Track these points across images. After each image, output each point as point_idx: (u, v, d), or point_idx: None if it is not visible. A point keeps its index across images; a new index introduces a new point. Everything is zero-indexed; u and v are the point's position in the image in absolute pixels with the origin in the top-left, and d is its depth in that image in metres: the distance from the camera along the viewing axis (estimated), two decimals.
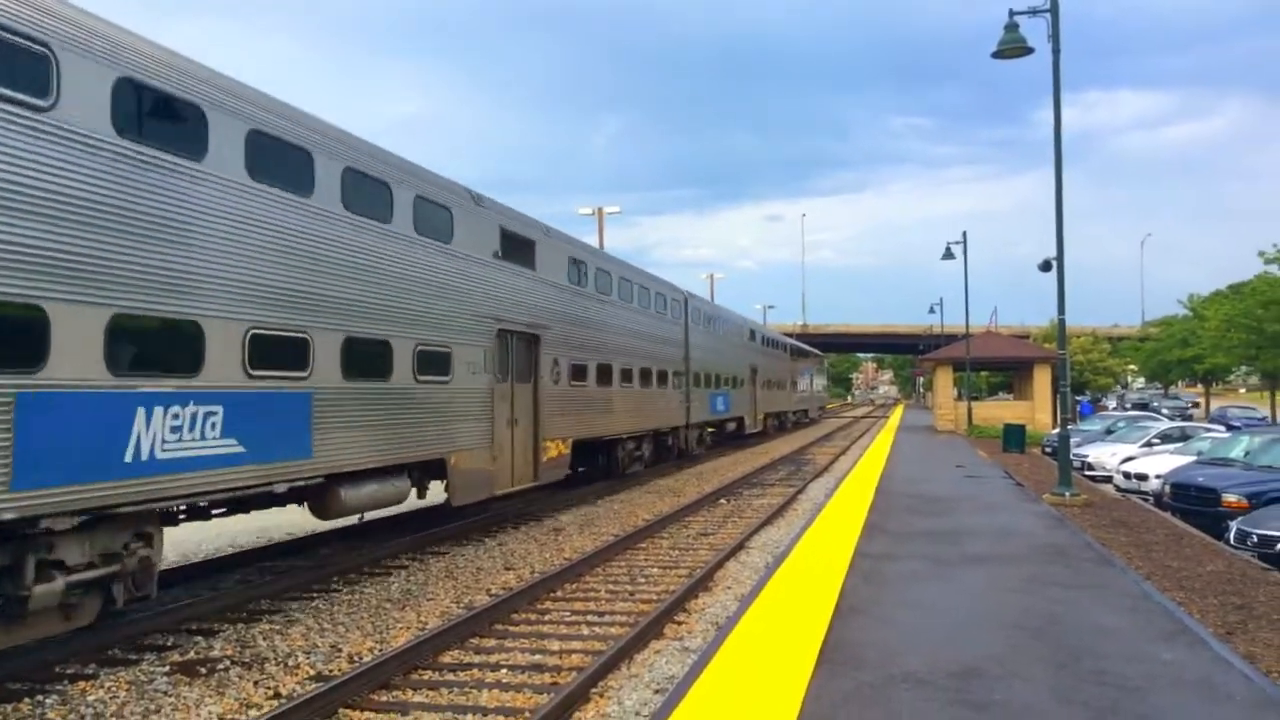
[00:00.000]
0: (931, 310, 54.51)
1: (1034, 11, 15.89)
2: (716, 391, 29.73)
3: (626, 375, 20.38)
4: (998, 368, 55.12)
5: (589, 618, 9.28)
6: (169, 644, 8.33)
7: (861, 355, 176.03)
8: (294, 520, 13.78)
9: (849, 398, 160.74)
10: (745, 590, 9.86)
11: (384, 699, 6.88)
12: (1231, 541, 12.14)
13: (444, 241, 12.61)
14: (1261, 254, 36.87)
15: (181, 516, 9.44)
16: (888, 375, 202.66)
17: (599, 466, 20.23)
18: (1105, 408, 54.18)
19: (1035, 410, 37.80)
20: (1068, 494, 15.71)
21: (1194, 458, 18.38)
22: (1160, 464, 19.10)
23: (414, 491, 12.30)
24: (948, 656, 6.39)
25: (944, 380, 42.58)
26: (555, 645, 8.27)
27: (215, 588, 10.45)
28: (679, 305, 25.56)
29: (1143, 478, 19.36)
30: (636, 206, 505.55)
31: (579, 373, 17.48)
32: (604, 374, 18.89)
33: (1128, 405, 58.10)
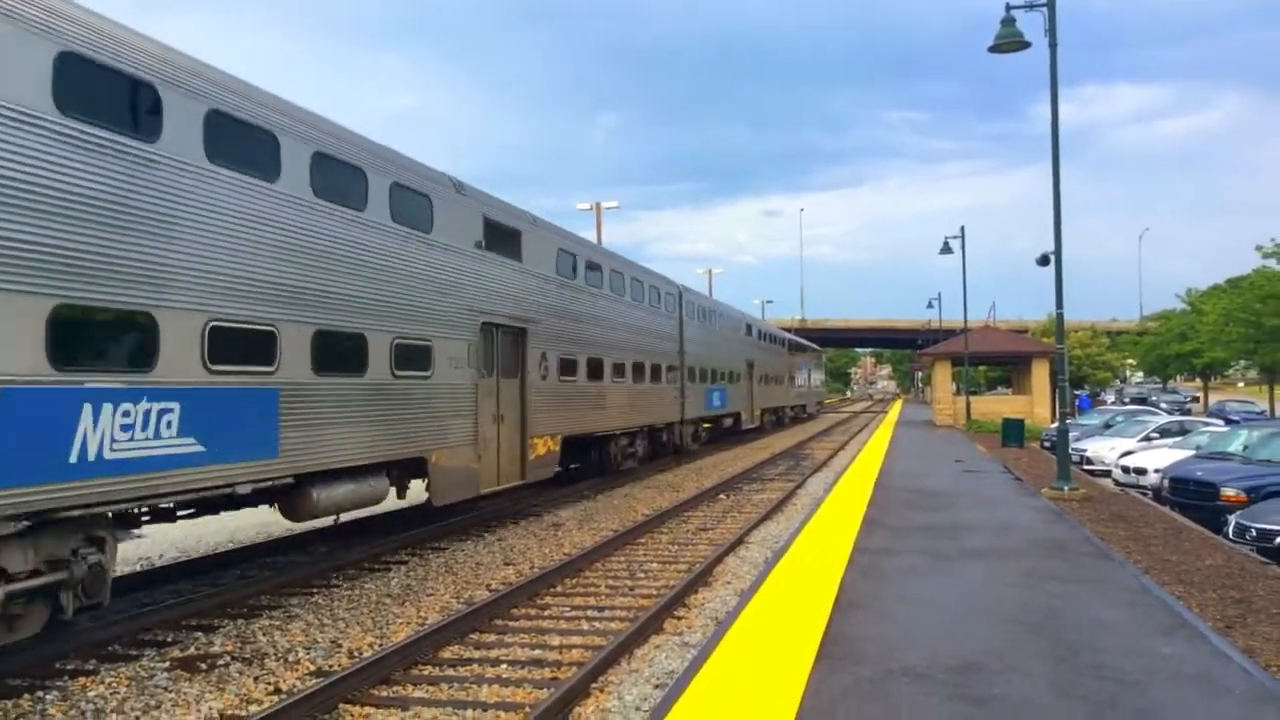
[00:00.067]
0: (930, 305, 54.53)
1: (1031, 5, 15.88)
2: (712, 387, 29.66)
3: (619, 370, 20.15)
4: (996, 362, 55.19)
5: (589, 613, 9.29)
6: (169, 640, 8.33)
7: (860, 350, 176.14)
8: None
9: (847, 393, 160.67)
10: (745, 585, 9.87)
11: (384, 694, 6.89)
12: (1230, 535, 12.17)
13: (423, 231, 12.22)
14: (1260, 248, 36.93)
15: (145, 519, 9.10)
16: (886, 370, 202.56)
17: (591, 464, 20.06)
18: (1104, 402, 54.27)
19: (1034, 405, 37.81)
20: (1066, 488, 15.73)
21: (1193, 452, 18.42)
22: (1159, 458, 19.13)
23: (393, 492, 11.92)
24: (947, 651, 6.40)
25: (942, 375, 42.59)
26: (555, 640, 8.28)
27: (215, 583, 10.45)
28: (673, 299, 25.37)
29: (1141, 472, 19.39)
30: (635, 201, 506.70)
31: (568, 367, 17.15)
32: (595, 369, 18.62)
33: (1126, 400, 58.21)
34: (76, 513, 7.14)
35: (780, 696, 5.47)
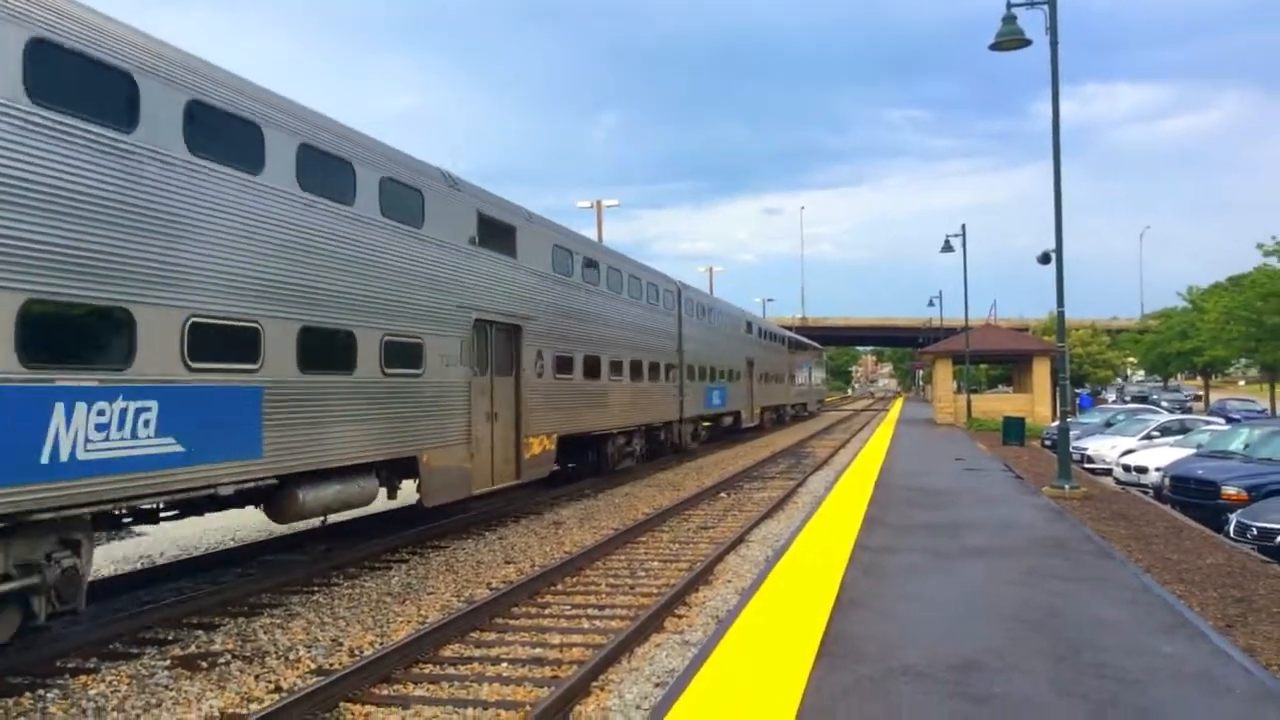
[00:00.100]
0: (931, 303, 54.47)
1: (1032, 3, 15.86)
2: (712, 385, 29.58)
3: (616, 368, 20.01)
4: (997, 360, 55.18)
5: (589, 611, 9.29)
6: (170, 638, 8.33)
7: (861, 348, 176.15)
8: None
9: (848, 391, 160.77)
10: (745, 584, 9.87)
11: (385, 693, 6.89)
12: (1231, 534, 12.17)
13: (414, 226, 11.98)
14: (1260, 246, 36.90)
15: (127, 521, 8.91)
16: (887, 368, 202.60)
17: (588, 463, 19.89)
18: (1105, 400, 54.29)
19: (1034, 403, 37.79)
20: (1067, 487, 15.73)
21: (1193, 450, 18.41)
22: (1160, 457, 19.13)
23: (384, 492, 11.70)
24: (947, 649, 6.40)
25: (943, 373, 42.58)
26: (556, 639, 8.28)
27: (216, 581, 10.46)
28: (672, 296, 25.21)
29: (1142, 470, 19.39)
30: (635, 200, 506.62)
31: (564, 365, 16.97)
32: (592, 367, 18.45)
33: (1127, 398, 58.19)
34: (48, 515, 6.89)
35: (781, 695, 5.47)
